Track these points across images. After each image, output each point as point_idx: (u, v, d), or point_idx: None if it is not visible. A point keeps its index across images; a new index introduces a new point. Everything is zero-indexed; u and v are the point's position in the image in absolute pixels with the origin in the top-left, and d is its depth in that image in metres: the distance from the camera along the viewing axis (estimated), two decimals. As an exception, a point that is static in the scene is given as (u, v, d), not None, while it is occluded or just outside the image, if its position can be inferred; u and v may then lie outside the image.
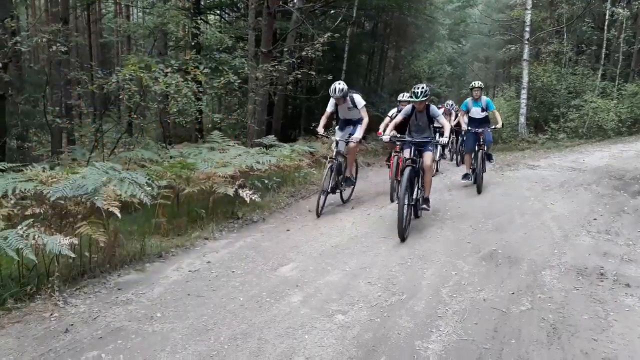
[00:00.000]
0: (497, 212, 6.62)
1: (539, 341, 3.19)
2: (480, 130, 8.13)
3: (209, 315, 3.57)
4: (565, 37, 18.75)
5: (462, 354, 3.05)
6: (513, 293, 3.96)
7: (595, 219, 6.15)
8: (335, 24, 14.52)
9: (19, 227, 3.55)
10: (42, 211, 4.15)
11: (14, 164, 4.55)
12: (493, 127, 8.34)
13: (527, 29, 16.47)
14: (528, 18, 16.51)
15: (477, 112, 8.33)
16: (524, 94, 16.33)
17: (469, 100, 8.49)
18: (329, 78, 12.27)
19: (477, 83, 8.56)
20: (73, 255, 3.70)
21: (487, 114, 8.32)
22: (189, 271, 4.43)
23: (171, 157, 7.13)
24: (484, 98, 8.44)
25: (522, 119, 16.29)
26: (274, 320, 3.50)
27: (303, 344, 3.17)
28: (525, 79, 16.36)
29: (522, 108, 16.31)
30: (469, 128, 8.24)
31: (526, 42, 16.51)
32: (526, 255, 4.86)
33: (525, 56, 16.51)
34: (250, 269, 4.57)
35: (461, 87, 31.55)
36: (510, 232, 5.72)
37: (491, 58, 27.06)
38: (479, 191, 7.85)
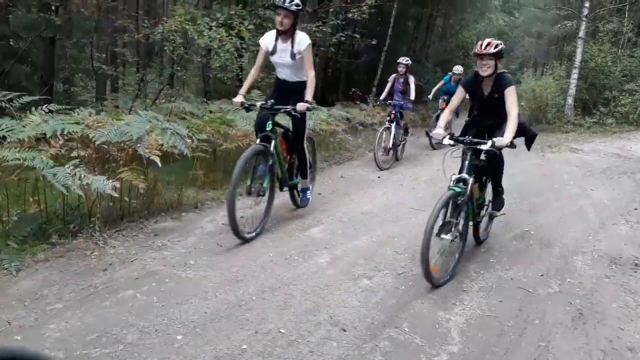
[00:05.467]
0: (533, 193, 6.49)
1: (563, 324, 3.18)
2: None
3: (239, 267, 3.69)
4: (626, 15, 17.66)
5: (484, 329, 3.07)
6: (542, 275, 3.93)
7: (635, 209, 5.95)
8: (385, -14, 14.10)
9: (67, 166, 3.70)
10: (86, 154, 4.32)
11: (61, 106, 4.68)
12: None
13: (587, 4, 15.55)
14: (588, -7, 15.60)
15: None
16: (574, 74, 15.56)
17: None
18: (372, 43, 12.02)
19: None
20: (116, 195, 3.83)
21: None
22: (223, 224, 4.54)
23: (211, 112, 7.21)
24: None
25: (570, 100, 15.59)
26: (301, 277, 3.60)
27: (327, 303, 3.25)
28: (578, 58, 15.55)
29: (571, 89, 15.58)
30: None
31: (584, 18, 15.63)
32: (559, 239, 4.78)
33: (581, 34, 15.66)
34: (282, 227, 4.67)
35: (509, 62, 30.33)
36: (545, 214, 5.62)
37: (544, 34, 25.74)
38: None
